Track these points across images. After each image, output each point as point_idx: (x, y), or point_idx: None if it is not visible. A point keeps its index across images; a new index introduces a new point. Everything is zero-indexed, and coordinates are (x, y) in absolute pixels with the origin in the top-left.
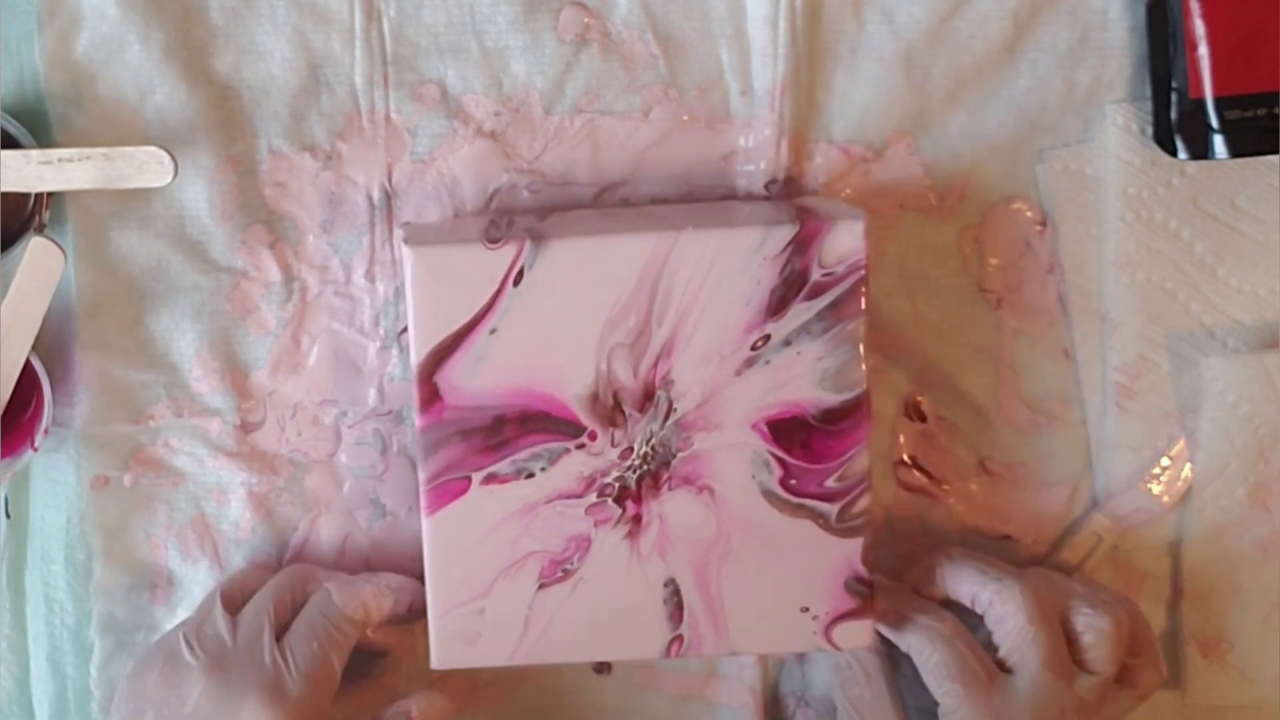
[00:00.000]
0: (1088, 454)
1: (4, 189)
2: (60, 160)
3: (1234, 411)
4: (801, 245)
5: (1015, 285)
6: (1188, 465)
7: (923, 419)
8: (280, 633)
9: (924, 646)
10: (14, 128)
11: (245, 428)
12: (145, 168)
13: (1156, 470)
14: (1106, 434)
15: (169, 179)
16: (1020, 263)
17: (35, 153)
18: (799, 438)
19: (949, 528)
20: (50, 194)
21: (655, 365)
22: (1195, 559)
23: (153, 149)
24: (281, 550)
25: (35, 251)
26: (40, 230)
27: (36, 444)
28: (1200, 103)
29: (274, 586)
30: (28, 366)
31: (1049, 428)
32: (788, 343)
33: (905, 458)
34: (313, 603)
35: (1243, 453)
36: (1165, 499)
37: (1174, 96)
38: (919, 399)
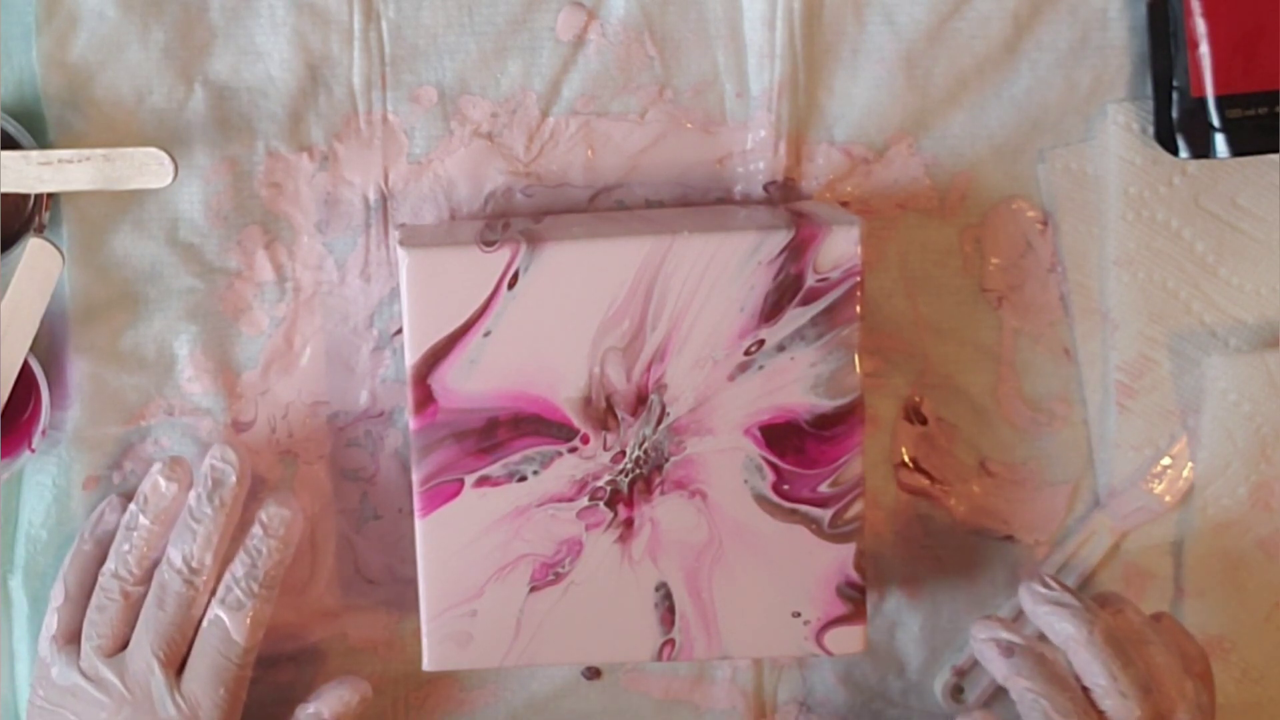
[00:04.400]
0: (1089, 453)
1: (4, 190)
2: (60, 161)
3: (1236, 410)
4: (797, 251)
5: (1016, 285)
6: (1189, 464)
7: (923, 422)
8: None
9: None
10: (14, 128)
11: (236, 427)
12: (145, 169)
13: (1158, 469)
14: (1108, 433)
15: (169, 180)
16: (1021, 262)
17: (35, 154)
18: (792, 443)
19: (951, 529)
20: (49, 195)
21: (648, 369)
22: (1197, 558)
23: (153, 150)
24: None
25: (34, 253)
26: (39, 231)
27: (34, 445)
28: (1201, 101)
29: (151, 621)
30: (25, 368)
31: (1050, 427)
32: (781, 348)
33: (906, 459)
34: (208, 639)
35: (1244, 452)
36: (1167, 498)
37: (1175, 95)
38: (919, 401)
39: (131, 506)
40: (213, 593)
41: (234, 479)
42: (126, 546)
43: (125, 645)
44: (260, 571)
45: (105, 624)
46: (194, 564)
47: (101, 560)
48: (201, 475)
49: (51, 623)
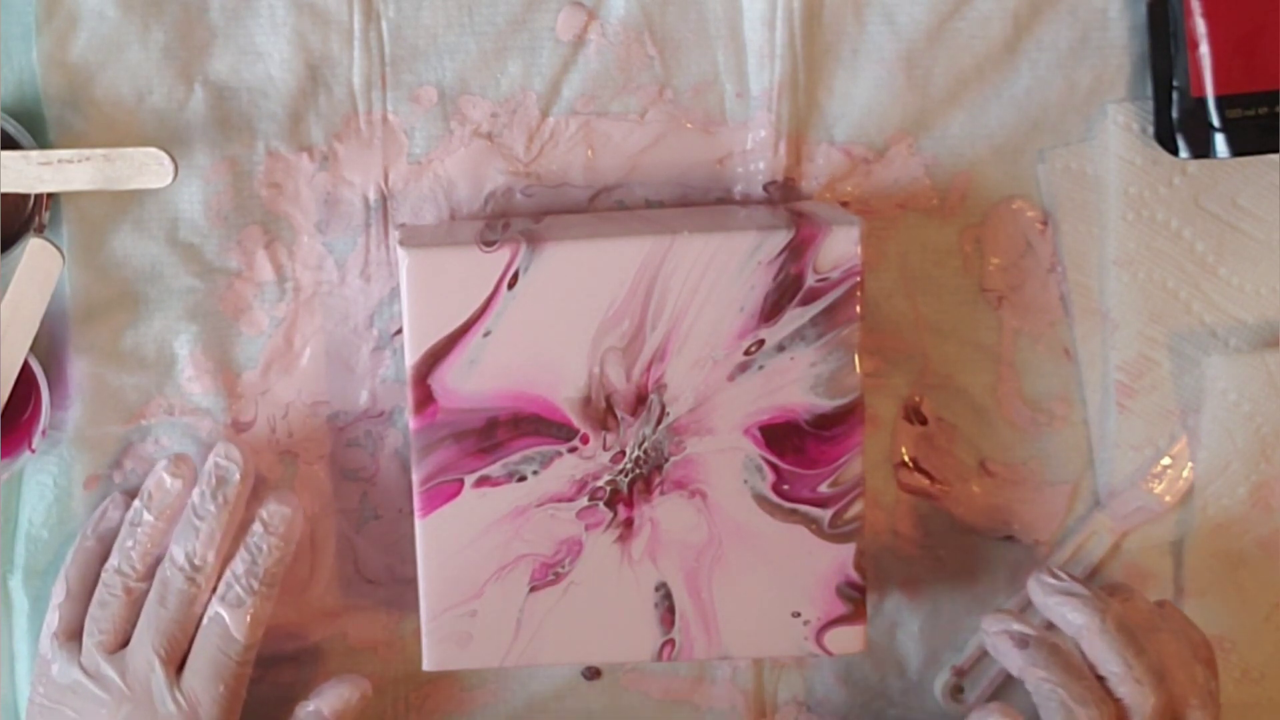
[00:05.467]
0: (1089, 453)
1: (4, 190)
2: (60, 161)
3: (1235, 410)
4: (797, 250)
5: (1016, 285)
6: (1189, 464)
7: (923, 422)
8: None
9: None
10: (14, 128)
11: (236, 427)
12: (145, 169)
13: (1158, 469)
14: (1108, 433)
15: (169, 180)
16: (1021, 262)
17: (35, 154)
18: (792, 443)
19: (951, 529)
20: (49, 195)
21: (648, 369)
22: (1197, 558)
23: (152, 150)
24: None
25: (34, 252)
26: (39, 231)
27: (34, 445)
28: (1201, 101)
29: (153, 618)
30: (25, 367)
31: (1050, 427)
32: (781, 348)
33: (906, 459)
34: (208, 636)
35: (1244, 451)
36: (1167, 498)
37: (1175, 95)
38: (919, 401)
39: (136, 503)
40: (214, 590)
41: (238, 477)
42: (130, 543)
43: (127, 642)
44: (261, 569)
45: (107, 620)
46: (196, 561)
47: (104, 557)
48: (205, 473)
49: (53, 619)
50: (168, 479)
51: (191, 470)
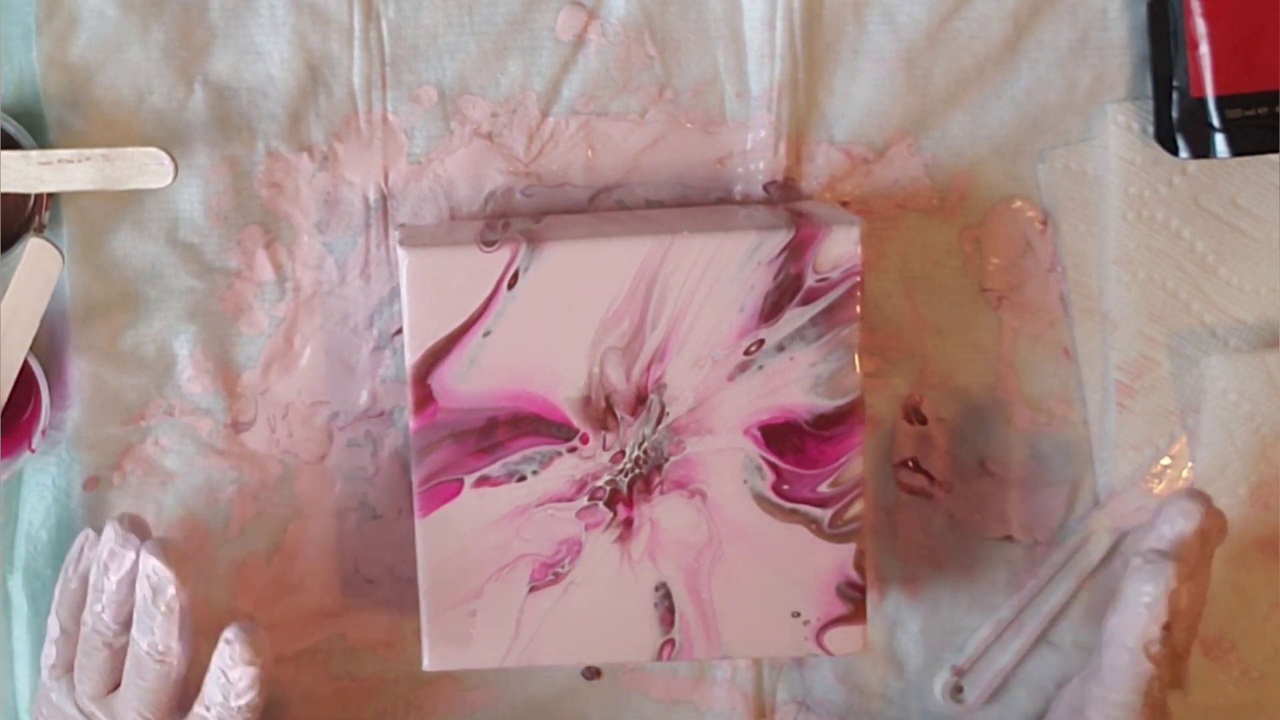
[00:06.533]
0: (1089, 453)
1: (4, 190)
2: (60, 161)
3: (1235, 410)
4: (796, 250)
5: (1016, 285)
6: (1189, 464)
7: (923, 422)
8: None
9: None
10: (14, 128)
11: (236, 427)
12: (145, 169)
13: (1158, 469)
14: (1108, 433)
15: (169, 180)
16: (1021, 262)
17: (35, 154)
18: (792, 443)
19: (950, 529)
20: (50, 195)
21: (648, 369)
22: None
23: (153, 150)
24: (271, 550)
25: (33, 252)
26: (39, 231)
27: (34, 445)
28: (1201, 101)
29: (134, 687)
30: (25, 367)
31: (1050, 427)
32: (781, 348)
33: (906, 459)
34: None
35: (1244, 452)
36: None
37: (1175, 95)
38: (919, 401)
39: (93, 571)
40: (190, 663)
41: (171, 591)
42: (99, 607)
43: (118, 684)
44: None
45: (94, 669)
46: (160, 648)
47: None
48: (142, 576)
49: (50, 653)
50: (120, 551)
51: (145, 528)
